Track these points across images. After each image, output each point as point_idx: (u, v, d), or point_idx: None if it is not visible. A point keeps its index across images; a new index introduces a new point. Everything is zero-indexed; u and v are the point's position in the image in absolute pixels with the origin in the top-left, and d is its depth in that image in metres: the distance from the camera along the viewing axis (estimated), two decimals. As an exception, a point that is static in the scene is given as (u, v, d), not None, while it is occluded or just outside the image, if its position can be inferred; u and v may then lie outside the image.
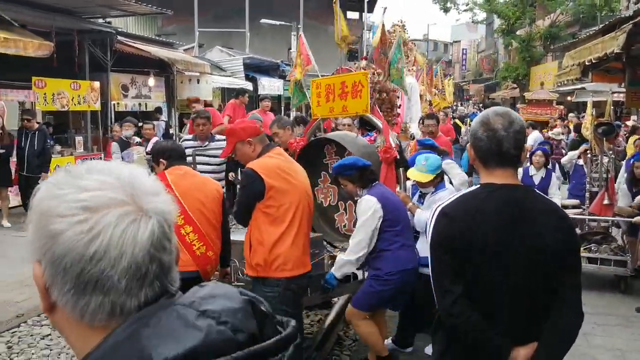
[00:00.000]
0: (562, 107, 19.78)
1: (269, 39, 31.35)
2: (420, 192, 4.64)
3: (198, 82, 15.73)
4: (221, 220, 3.87)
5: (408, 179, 4.89)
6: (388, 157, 4.91)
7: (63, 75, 11.39)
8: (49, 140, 9.59)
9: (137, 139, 8.05)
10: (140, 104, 14.61)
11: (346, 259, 3.99)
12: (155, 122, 14.67)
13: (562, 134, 13.06)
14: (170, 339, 0.74)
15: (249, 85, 18.69)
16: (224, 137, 6.22)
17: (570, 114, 17.49)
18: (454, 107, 27.12)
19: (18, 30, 9.49)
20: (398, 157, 5.02)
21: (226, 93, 18.78)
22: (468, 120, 15.98)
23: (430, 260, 2.16)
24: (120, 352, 0.75)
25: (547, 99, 18.46)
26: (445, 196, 4.19)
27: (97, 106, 12.45)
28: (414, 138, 10.57)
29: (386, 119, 8.78)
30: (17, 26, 9.45)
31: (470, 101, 52.78)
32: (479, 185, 2.19)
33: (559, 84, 15.91)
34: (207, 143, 6.44)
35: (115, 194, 0.80)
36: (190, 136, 6.83)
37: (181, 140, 6.83)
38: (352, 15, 34.91)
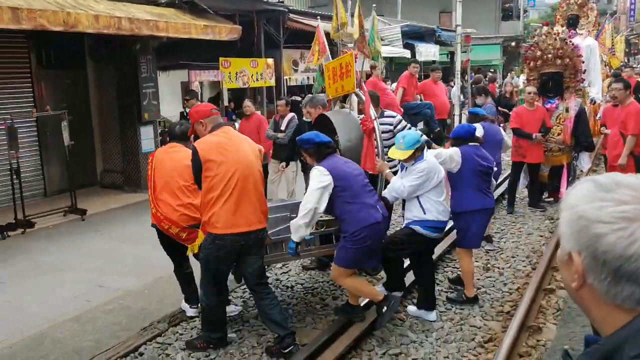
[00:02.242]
0: None
1: (419, 3, 30.91)
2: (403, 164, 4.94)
3: (361, 53, 16.10)
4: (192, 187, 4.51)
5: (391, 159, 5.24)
6: (365, 129, 5.30)
7: (241, 55, 12.29)
8: None
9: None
10: (308, 78, 15.33)
11: (297, 224, 4.29)
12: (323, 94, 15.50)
13: None
14: None
15: (407, 53, 18.76)
16: (393, 113, 6.75)
17: None
18: (624, 64, 24.89)
19: (211, 16, 10.44)
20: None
21: (386, 62, 18.95)
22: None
23: None
24: None
25: None
26: (422, 166, 4.68)
27: (272, 82, 13.31)
28: (594, 102, 10.12)
29: (569, 84, 8.57)
30: (212, 13, 10.39)
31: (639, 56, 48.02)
32: None
33: None
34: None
35: None
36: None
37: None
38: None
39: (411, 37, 20.54)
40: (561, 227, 1.11)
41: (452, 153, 5.25)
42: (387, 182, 5.21)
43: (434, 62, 22.14)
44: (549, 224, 7.91)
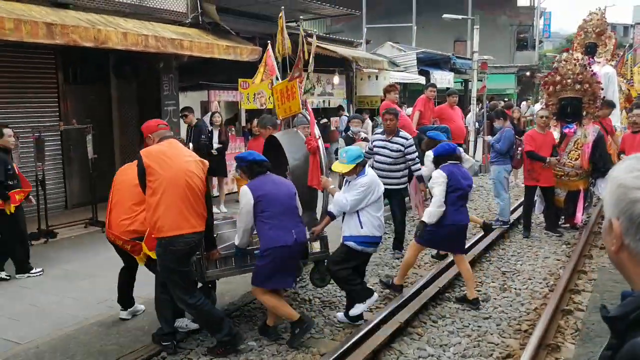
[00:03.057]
0: None
1: (434, 32, 31.33)
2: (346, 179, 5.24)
3: (377, 78, 16.35)
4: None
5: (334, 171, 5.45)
6: (310, 148, 5.57)
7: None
8: (203, 136, 9.79)
9: (363, 134, 8.81)
10: (324, 101, 15.55)
11: (237, 244, 4.77)
12: (337, 118, 15.71)
13: None
14: None
15: (421, 79, 18.99)
16: (407, 135, 7.37)
17: None
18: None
19: (233, 37, 10.70)
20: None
21: (400, 87, 19.17)
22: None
23: None
24: None
25: None
26: (363, 181, 4.98)
27: (289, 104, 13.50)
28: (615, 130, 10.18)
29: (588, 110, 8.67)
30: (234, 34, 10.65)
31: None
32: None
33: None
34: (391, 137, 7.35)
35: None
36: (380, 130, 7.73)
37: (374, 134, 7.80)
38: (523, 2, 33.55)
39: (426, 64, 20.80)
40: (604, 197, 1.23)
41: (436, 179, 5.67)
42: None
43: (447, 89, 22.40)
44: (566, 249, 7.93)
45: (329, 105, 15.86)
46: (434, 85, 11.42)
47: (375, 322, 5.08)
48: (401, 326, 5.10)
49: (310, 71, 6.35)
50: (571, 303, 5.91)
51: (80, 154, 9.13)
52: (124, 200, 4.85)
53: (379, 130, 8.06)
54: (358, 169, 5.06)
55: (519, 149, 8.41)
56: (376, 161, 7.38)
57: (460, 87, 24.54)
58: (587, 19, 10.62)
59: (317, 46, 14.13)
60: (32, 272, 6.65)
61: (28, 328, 5.10)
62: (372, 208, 5.07)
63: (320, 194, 5.94)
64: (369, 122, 15.62)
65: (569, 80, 8.54)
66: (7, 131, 6.61)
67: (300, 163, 5.73)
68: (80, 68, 9.94)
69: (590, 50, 10.26)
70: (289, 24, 13.90)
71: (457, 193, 5.66)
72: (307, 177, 5.61)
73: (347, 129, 14.67)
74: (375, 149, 7.44)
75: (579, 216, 8.72)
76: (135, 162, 4.91)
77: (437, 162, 5.86)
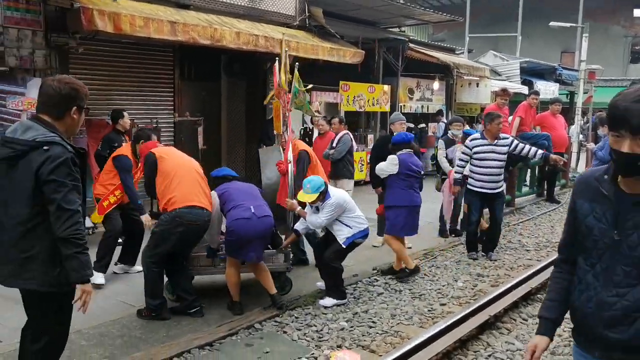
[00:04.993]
0: None
1: (539, 42, 30.38)
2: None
3: (477, 86, 16.20)
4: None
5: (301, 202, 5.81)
6: (280, 170, 6.27)
7: (359, 80, 12.81)
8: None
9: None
10: (422, 106, 15.62)
11: (209, 235, 5.40)
12: (435, 124, 15.73)
13: None
14: None
15: (524, 89, 18.55)
16: (507, 136, 7.43)
17: None
18: None
19: (337, 40, 11.09)
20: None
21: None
22: None
23: None
24: None
25: None
26: (331, 202, 5.55)
27: (387, 108, 13.73)
28: None
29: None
30: (338, 37, 11.04)
31: None
32: None
33: None
34: (496, 141, 7.27)
35: None
36: (479, 135, 7.55)
37: (470, 139, 7.55)
38: None
39: (530, 74, 20.28)
40: None
41: (389, 161, 6.46)
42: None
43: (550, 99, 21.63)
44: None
45: (428, 110, 15.91)
46: (536, 93, 11.22)
47: (463, 314, 5.19)
48: (490, 320, 5.19)
49: (302, 90, 6.58)
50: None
51: (191, 145, 9.83)
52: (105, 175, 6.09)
53: (477, 134, 8.06)
54: (321, 197, 5.58)
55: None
56: (479, 166, 7.25)
57: (565, 100, 23.66)
58: None
59: (418, 51, 14.34)
60: None
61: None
62: (348, 212, 5.70)
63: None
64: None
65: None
66: (126, 114, 7.38)
67: (272, 183, 6.35)
68: (195, 66, 10.69)
69: None
70: (392, 29, 14.20)
71: (411, 178, 6.46)
72: (277, 195, 6.26)
73: (446, 132, 14.72)
74: (478, 155, 7.28)
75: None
76: (128, 145, 6.15)
77: (394, 149, 6.55)
